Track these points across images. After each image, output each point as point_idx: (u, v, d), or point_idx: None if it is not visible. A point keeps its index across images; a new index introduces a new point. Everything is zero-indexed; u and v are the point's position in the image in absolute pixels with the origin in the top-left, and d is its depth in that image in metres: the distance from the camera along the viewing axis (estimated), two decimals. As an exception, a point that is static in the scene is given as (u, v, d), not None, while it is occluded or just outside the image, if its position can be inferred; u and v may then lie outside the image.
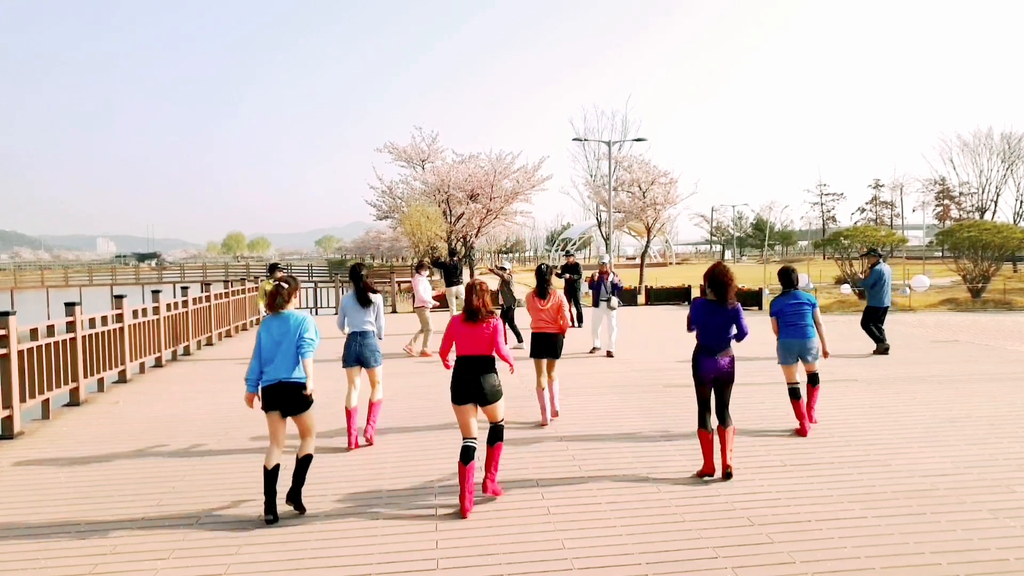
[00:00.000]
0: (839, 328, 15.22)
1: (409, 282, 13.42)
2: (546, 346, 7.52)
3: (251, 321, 17.64)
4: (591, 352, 12.10)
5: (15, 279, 55.15)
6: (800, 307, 6.97)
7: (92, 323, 9.48)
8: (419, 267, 13.24)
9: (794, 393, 6.85)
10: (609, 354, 11.83)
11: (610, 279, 12.07)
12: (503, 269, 13.45)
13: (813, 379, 7.09)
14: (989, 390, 8.60)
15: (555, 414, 7.58)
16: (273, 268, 12.27)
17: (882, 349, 11.67)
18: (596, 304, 12.14)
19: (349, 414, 6.62)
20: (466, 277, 17.18)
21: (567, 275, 15.79)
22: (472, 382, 5.06)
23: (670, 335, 14.32)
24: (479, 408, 5.14)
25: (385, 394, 7.71)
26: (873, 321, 11.88)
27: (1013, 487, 5.24)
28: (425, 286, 12.79)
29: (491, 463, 5.20)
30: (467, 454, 4.95)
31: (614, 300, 11.90)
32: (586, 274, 16.29)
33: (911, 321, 17.04)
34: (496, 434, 5.22)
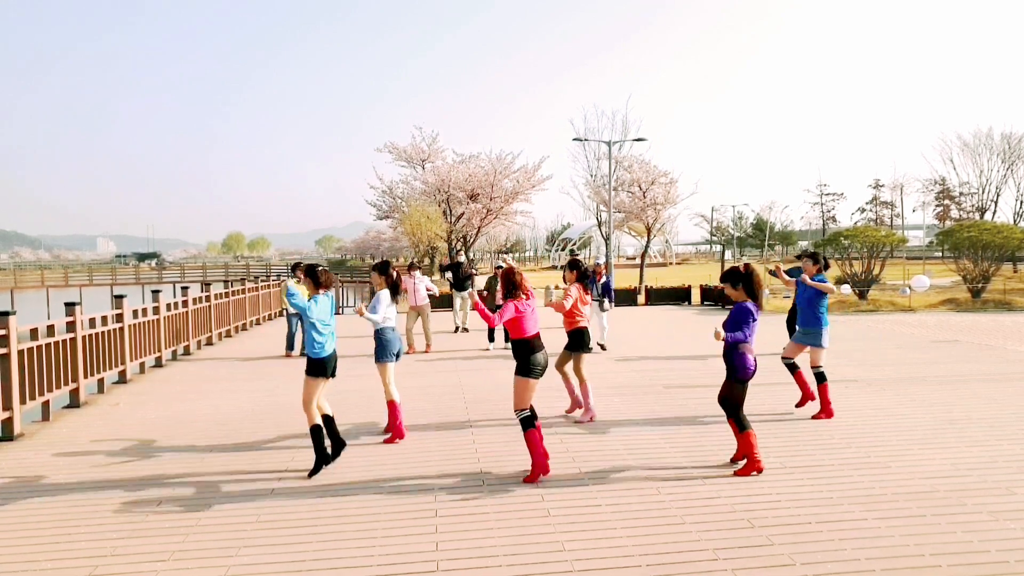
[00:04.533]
0: (837, 329, 15.23)
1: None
2: (584, 339, 7.53)
3: (251, 321, 17.64)
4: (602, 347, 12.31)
5: (15, 279, 55.17)
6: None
7: (92, 323, 9.48)
8: (411, 267, 13.29)
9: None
10: (602, 347, 12.28)
11: (602, 280, 12.29)
12: (499, 268, 13.50)
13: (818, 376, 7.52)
14: (989, 391, 8.60)
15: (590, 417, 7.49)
16: (296, 267, 12.67)
17: None
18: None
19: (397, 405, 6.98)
20: (477, 284, 17.17)
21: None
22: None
23: (670, 336, 14.32)
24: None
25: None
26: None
27: (1013, 489, 5.24)
28: (420, 286, 12.85)
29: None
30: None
31: (607, 303, 12.27)
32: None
33: (911, 321, 17.04)
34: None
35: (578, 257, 16.64)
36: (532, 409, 5.63)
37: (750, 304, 5.63)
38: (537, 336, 5.69)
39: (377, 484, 5.59)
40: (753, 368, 5.66)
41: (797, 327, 7.70)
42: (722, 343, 5.73)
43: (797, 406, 7.71)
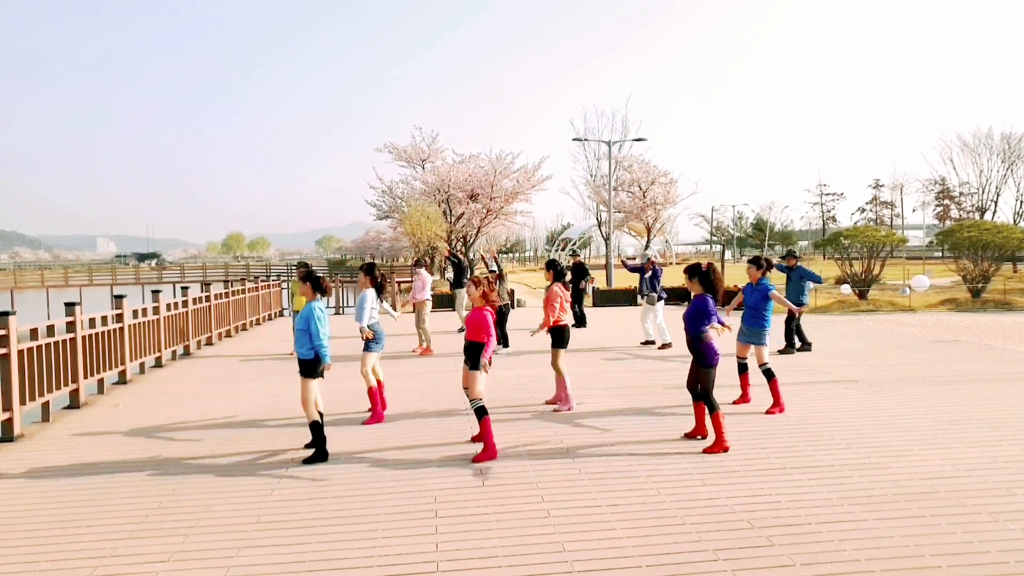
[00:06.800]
0: (837, 328, 15.23)
1: (410, 282, 13.51)
2: (565, 335, 8.11)
3: (251, 321, 17.64)
4: (642, 344, 12.68)
5: (15, 279, 55.18)
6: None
7: (92, 323, 9.48)
8: (417, 264, 13.32)
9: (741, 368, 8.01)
10: (664, 346, 12.34)
11: (649, 273, 12.55)
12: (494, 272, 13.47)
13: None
14: (989, 391, 8.59)
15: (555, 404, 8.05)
16: (301, 267, 12.85)
17: (805, 348, 11.87)
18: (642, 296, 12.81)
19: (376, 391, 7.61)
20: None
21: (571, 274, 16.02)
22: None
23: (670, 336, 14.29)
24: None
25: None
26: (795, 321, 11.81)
27: (1013, 490, 5.24)
28: (427, 283, 12.86)
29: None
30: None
31: (653, 295, 12.42)
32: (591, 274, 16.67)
33: (911, 321, 17.04)
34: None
35: (580, 257, 16.79)
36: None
37: (708, 297, 6.33)
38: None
39: (377, 484, 5.59)
40: (718, 355, 6.33)
41: (742, 326, 7.96)
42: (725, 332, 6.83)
43: (734, 403, 7.93)
